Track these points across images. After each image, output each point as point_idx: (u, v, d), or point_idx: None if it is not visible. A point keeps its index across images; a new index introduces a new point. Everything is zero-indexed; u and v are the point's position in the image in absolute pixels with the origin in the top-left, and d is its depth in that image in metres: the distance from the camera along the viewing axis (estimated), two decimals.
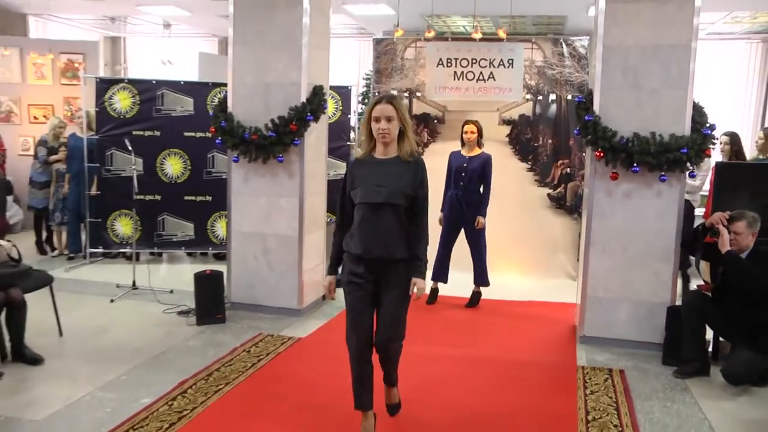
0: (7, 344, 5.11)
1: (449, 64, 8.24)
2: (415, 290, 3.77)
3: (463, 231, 6.99)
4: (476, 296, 7.03)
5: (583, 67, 7.99)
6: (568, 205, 8.20)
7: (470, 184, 6.79)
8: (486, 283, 7.00)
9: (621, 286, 5.72)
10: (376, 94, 8.60)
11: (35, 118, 10.44)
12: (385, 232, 3.75)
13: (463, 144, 6.93)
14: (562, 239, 8.22)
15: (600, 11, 5.61)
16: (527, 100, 8.22)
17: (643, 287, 5.67)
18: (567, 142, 8.18)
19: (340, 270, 3.99)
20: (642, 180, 5.55)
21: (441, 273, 7.04)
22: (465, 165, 6.80)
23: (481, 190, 6.83)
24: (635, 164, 5.44)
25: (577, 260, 6.91)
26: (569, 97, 8.02)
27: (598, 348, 5.73)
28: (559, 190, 8.23)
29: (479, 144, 6.87)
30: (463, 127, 6.94)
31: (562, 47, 8.11)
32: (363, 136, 3.85)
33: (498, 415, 4.42)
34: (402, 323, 3.91)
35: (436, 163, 8.13)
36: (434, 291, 7.07)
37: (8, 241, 5.38)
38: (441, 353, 5.56)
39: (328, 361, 5.26)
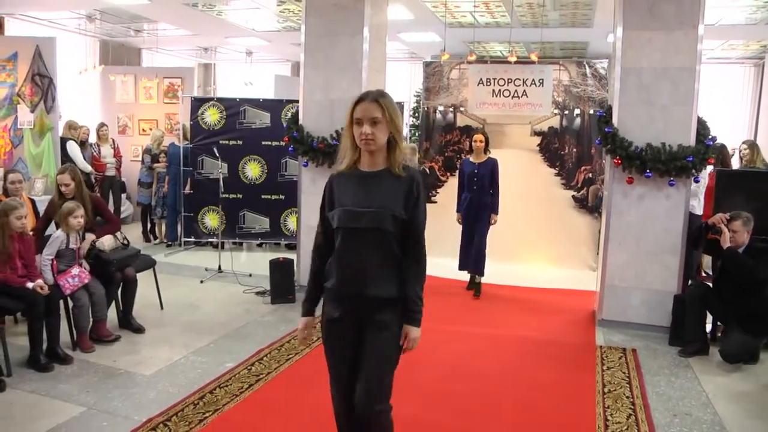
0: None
1: (488, 83, 8.11)
2: (408, 343, 2.63)
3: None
4: (479, 286, 6.75)
5: (603, 86, 7.80)
6: (589, 205, 8.00)
7: (481, 187, 6.56)
8: (482, 273, 6.72)
9: (635, 276, 5.58)
10: (425, 109, 8.53)
11: (143, 130, 10.66)
12: (368, 265, 2.55)
13: (471, 151, 6.76)
14: (584, 235, 8.01)
15: (618, 38, 5.51)
16: (555, 114, 8.05)
17: (653, 277, 5.53)
18: (589, 150, 7.98)
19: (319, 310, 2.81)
20: (653, 184, 5.42)
21: (469, 264, 6.77)
22: (476, 171, 6.58)
23: (492, 191, 6.59)
24: (648, 170, 5.32)
25: (597, 253, 6.77)
26: (591, 111, 7.83)
27: (614, 330, 5.58)
28: (582, 192, 8.04)
29: (485, 151, 6.64)
30: (472, 137, 6.78)
31: (585, 68, 7.92)
32: (346, 145, 2.63)
33: (525, 385, 4.37)
34: (386, 383, 2.65)
35: None
36: (472, 277, 6.83)
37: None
38: (471, 331, 5.48)
39: None
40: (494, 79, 8.07)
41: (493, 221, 6.61)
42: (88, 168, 8.40)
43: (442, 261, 7.23)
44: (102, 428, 3.59)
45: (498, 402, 4.09)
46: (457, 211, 6.85)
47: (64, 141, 8.22)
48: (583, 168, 8.04)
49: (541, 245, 8.09)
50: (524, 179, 8.11)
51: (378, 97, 2.54)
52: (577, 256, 7.94)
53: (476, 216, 6.63)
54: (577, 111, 7.99)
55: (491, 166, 6.56)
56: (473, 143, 6.67)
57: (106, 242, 5.16)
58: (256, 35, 11.41)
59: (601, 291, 5.73)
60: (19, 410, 3.81)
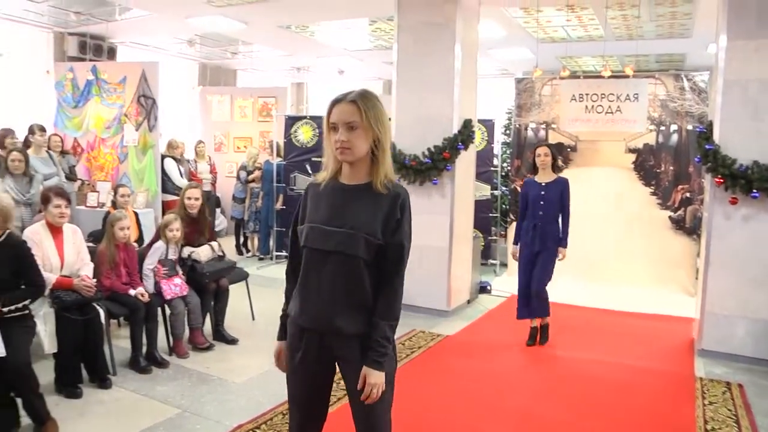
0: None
1: (581, 99, 7.97)
2: (367, 388, 2.18)
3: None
4: (545, 329, 5.61)
5: (703, 100, 7.49)
6: (687, 226, 7.66)
7: (549, 213, 5.43)
8: (548, 313, 5.58)
9: (739, 304, 5.22)
10: (517, 126, 8.46)
11: (238, 147, 11.07)
12: (332, 294, 2.20)
13: (535, 170, 5.55)
14: (682, 257, 7.66)
15: (720, 48, 5.25)
16: (650, 130, 7.79)
17: (760, 306, 5.14)
18: (687, 168, 7.66)
19: None
20: (761, 205, 5.08)
21: (532, 311, 5.56)
22: (542, 193, 5.43)
23: (560, 219, 5.47)
24: (755, 190, 5.00)
25: (696, 278, 6.47)
26: (690, 127, 7.53)
27: (716, 361, 5.22)
28: (679, 212, 7.71)
29: (554, 168, 5.48)
30: (534, 151, 5.57)
31: (683, 82, 7.63)
32: (327, 153, 2.26)
33: (618, 415, 4.17)
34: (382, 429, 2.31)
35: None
36: (534, 330, 5.59)
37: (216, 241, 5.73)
38: (559, 355, 5.34)
39: (470, 356, 5.24)
40: (587, 94, 7.93)
41: (561, 256, 5.44)
42: (184, 183, 8.71)
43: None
44: (195, 430, 3.75)
45: (589, 430, 3.97)
46: (514, 242, 5.71)
47: (163, 158, 8.66)
48: (680, 187, 7.73)
49: (634, 267, 7.78)
50: (618, 198, 7.89)
51: (357, 98, 2.16)
52: (673, 280, 7.60)
53: (541, 248, 5.45)
54: (674, 127, 7.71)
55: (561, 188, 5.42)
56: (536, 158, 5.48)
57: (203, 253, 5.38)
58: (347, 54, 11.66)
59: (701, 318, 5.42)
60: (124, 407, 4.08)
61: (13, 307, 3.64)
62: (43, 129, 6.69)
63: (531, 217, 5.49)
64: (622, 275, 7.67)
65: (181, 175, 8.61)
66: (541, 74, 8.41)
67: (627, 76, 7.88)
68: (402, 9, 6.41)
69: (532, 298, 5.48)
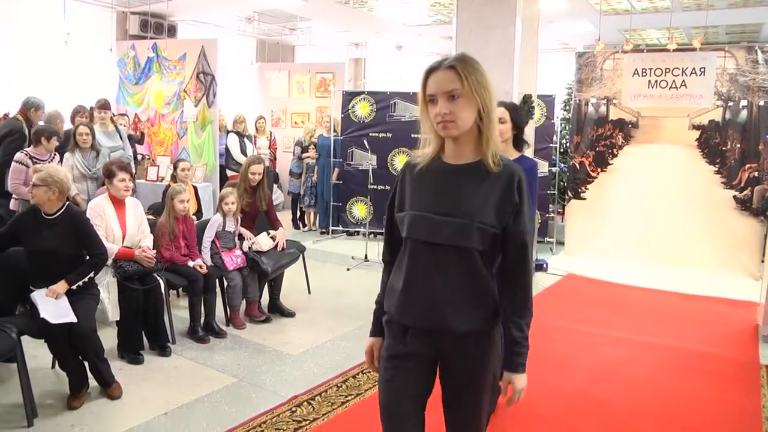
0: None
1: (644, 74, 7.73)
2: (514, 395, 2.04)
3: None
4: None
5: None
6: (754, 207, 7.36)
7: None
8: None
9: None
10: (577, 102, 8.27)
11: (295, 123, 11.17)
12: (444, 289, 1.94)
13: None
14: (747, 240, 7.37)
15: None
16: (717, 106, 7.48)
17: None
18: (756, 146, 7.33)
19: None
20: None
21: None
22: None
23: None
24: None
25: (762, 261, 6.22)
26: (761, 103, 7.21)
27: None
28: (745, 192, 7.40)
29: (517, 144, 3.65)
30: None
31: (756, 54, 7.26)
32: (425, 129, 2.00)
33: (677, 399, 4.07)
34: None
35: (629, 163, 7.80)
36: None
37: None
38: (620, 337, 5.22)
39: None
40: (650, 69, 7.68)
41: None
42: (242, 159, 8.73)
43: (590, 260, 7.03)
44: (251, 399, 3.85)
45: (648, 414, 3.89)
46: None
47: (228, 133, 8.91)
48: (747, 166, 7.43)
49: (696, 249, 7.54)
50: (680, 177, 7.65)
51: (455, 63, 1.89)
52: (737, 263, 7.35)
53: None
54: (743, 102, 7.38)
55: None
56: None
57: (263, 242, 5.40)
58: (406, 29, 11.58)
59: (767, 304, 5.24)
60: (183, 374, 4.23)
61: (81, 282, 3.83)
62: (104, 106, 6.82)
63: None
64: (683, 256, 7.47)
65: (242, 151, 8.70)
66: (603, 48, 8.20)
67: (694, 49, 7.63)
68: None
69: None
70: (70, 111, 7.30)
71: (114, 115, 7.68)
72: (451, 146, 1.97)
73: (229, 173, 8.54)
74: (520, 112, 3.64)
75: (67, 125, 7.01)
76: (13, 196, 5.73)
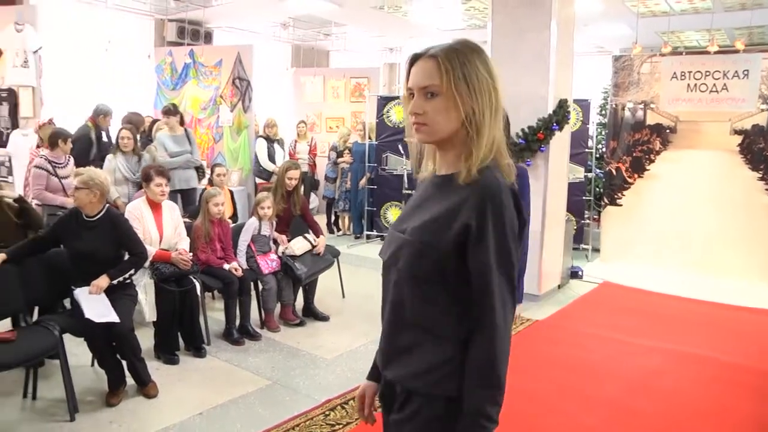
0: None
1: (683, 77, 7.61)
2: None
3: None
4: None
5: None
6: None
7: None
8: None
9: None
10: (613, 106, 8.19)
11: (330, 128, 11.26)
12: (387, 326, 1.63)
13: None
14: None
15: None
16: (762, 110, 7.32)
17: None
18: None
19: None
20: None
21: None
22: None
23: None
24: None
25: None
26: None
27: None
28: None
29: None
30: None
31: None
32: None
33: (715, 414, 3.97)
34: None
35: (666, 169, 7.67)
36: None
37: None
38: (656, 347, 5.12)
39: (561, 343, 5.15)
40: (690, 72, 7.56)
41: None
42: (271, 166, 8.31)
43: (626, 268, 6.95)
44: (285, 402, 3.90)
45: (682, 426, 3.82)
46: None
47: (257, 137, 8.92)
48: None
49: (736, 258, 7.36)
50: (720, 183, 7.48)
51: (439, 53, 1.52)
52: None
53: None
54: None
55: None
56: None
57: (297, 247, 5.44)
58: (440, 34, 11.61)
59: None
60: (218, 375, 4.30)
61: (121, 279, 3.95)
62: (171, 111, 6.89)
63: None
64: (722, 265, 7.31)
65: (270, 158, 8.43)
66: (640, 51, 8.11)
67: (737, 51, 7.48)
68: None
69: None
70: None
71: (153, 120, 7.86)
72: (439, 154, 1.63)
73: (257, 180, 8.50)
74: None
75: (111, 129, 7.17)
76: (35, 201, 5.65)
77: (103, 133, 6.95)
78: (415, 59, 1.59)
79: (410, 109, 1.56)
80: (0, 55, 6.99)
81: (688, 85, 7.56)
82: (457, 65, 1.50)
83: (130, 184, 6.07)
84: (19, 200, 4.76)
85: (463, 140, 1.54)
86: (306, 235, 5.62)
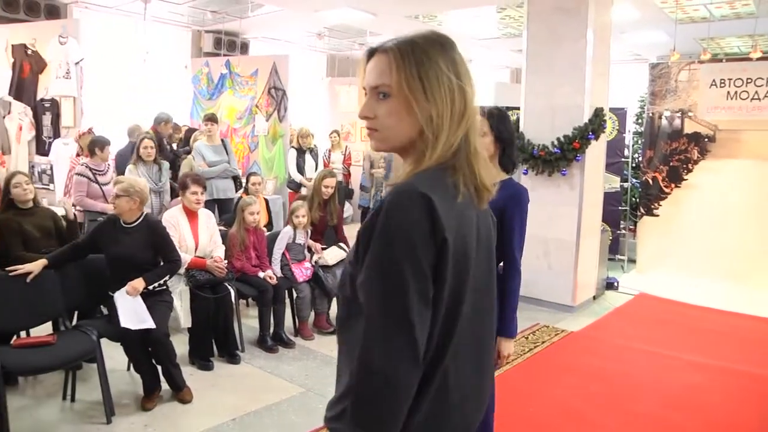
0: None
1: (722, 85, 7.47)
2: None
3: None
4: None
5: None
6: None
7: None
8: None
9: None
10: (650, 115, 8.08)
11: (364, 137, 11.31)
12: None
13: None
14: None
15: None
16: None
17: None
18: None
19: None
20: None
21: None
22: None
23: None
24: None
25: None
26: None
27: None
28: None
29: (504, 162, 2.74)
30: None
31: None
32: None
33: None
34: None
35: (705, 179, 7.52)
36: None
37: None
38: (697, 361, 5.03)
39: (597, 355, 5.09)
40: (730, 79, 7.42)
41: (501, 358, 2.63)
42: (299, 177, 8.29)
43: (663, 279, 6.84)
44: (318, 410, 3.90)
45: None
46: None
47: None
48: None
49: None
50: (761, 193, 7.28)
51: (392, 46, 1.34)
52: None
53: None
54: None
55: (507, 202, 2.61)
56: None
57: (330, 257, 5.48)
58: (475, 43, 11.60)
59: None
60: (251, 382, 4.34)
61: (156, 285, 4.01)
62: (210, 119, 6.98)
63: None
64: (762, 278, 7.12)
65: (300, 169, 8.28)
66: (678, 58, 7.99)
67: None
68: None
69: None
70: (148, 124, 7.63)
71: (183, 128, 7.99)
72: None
73: (288, 190, 8.50)
74: (505, 121, 2.70)
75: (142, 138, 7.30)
76: (77, 207, 5.76)
77: (164, 140, 7.13)
78: (371, 54, 1.39)
79: (359, 111, 1.38)
80: (45, 67, 7.19)
81: (728, 92, 7.42)
82: (412, 62, 1.30)
83: (152, 193, 6.08)
84: (65, 217, 4.89)
85: (423, 150, 1.32)
86: (341, 243, 5.65)
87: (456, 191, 1.29)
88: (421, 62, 1.30)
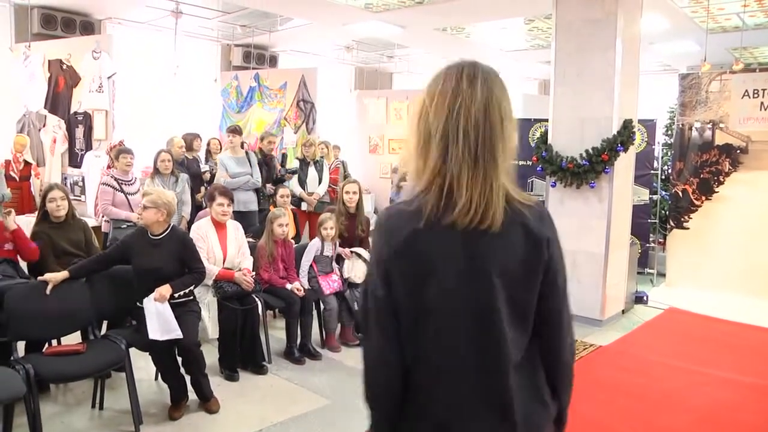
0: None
1: (755, 95, 7.35)
2: None
3: None
4: None
5: None
6: None
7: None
8: None
9: None
10: (680, 126, 7.97)
11: (393, 149, 11.33)
12: None
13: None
14: None
15: None
16: None
17: None
18: None
19: None
20: None
21: None
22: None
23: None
24: None
25: None
26: None
27: None
28: None
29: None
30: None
31: None
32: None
33: None
34: None
35: (737, 191, 7.38)
36: None
37: None
38: (729, 378, 4.90)
39: (626, 370, 5.00)
40: (763, 90, 7.29)
41: None
42: (298, 190, 7.39)
43: (693, 294, 6.73)
44: (344, 422, 3.91)
45: None
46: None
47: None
48: None
49: None
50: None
51: None
52: None
53: None
54: None
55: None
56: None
57: (359, 272, 5.45)
58: (503, 54, 11.59)
59: None
60: (278, 393, 4.36)
61: (182, 293, 4.06)
62: (234, 131, 7.07)
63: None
64: None
65: (301, 183, 7.45)
66: (709, 68, 7.88)
67: None
68: (560, 6, 6.26)
69: None
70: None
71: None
72: None
73: (291, 207, 7.05)
74: None
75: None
76: (103, 218, 5.92)
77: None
78: None
79: None
80: (79, 81, 7.35)
81: (762, 103, 7.29)
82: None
83: None
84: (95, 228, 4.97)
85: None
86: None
87: (420, 216, 1.41)
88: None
